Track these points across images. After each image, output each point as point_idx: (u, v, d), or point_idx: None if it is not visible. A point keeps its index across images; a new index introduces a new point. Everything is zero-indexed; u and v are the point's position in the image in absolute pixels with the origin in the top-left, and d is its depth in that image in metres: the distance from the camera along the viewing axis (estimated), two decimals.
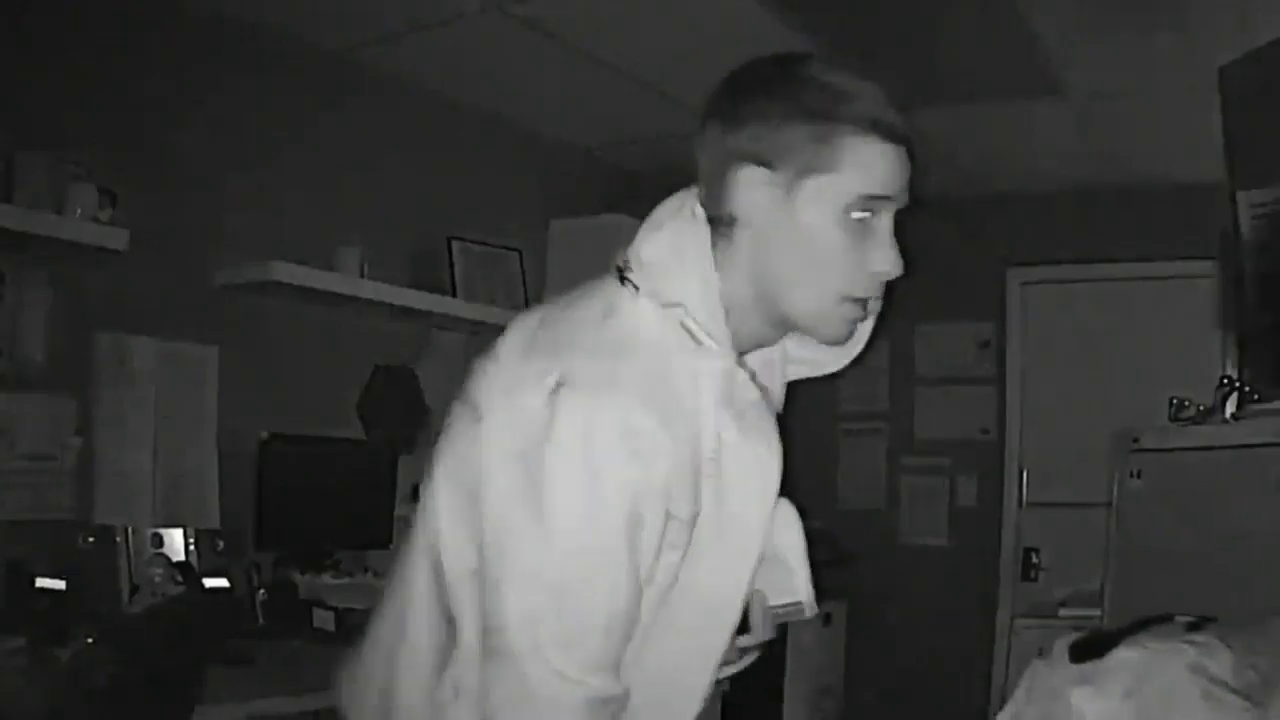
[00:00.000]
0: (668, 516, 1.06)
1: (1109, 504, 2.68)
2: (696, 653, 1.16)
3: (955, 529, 4.56)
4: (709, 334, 1.12)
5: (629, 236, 1.18)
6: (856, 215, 1.12)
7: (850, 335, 1.21)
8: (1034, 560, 4.39)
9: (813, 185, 1.12)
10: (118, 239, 2.57)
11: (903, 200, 1.16)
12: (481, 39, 3.17)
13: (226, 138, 3.01)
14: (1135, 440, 2.51)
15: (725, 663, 1.22)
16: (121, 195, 2.63)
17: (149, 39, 2.85)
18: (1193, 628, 1.71)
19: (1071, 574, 3.95)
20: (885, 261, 1.15)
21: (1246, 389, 2.21)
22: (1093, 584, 2.70)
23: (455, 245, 3.60)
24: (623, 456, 1.02)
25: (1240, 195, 2.18)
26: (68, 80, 2.65)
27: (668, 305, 1.12)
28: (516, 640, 1.00)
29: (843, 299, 1.15)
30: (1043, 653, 1.78)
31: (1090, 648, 1.68)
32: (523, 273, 3.79)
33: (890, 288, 1.17)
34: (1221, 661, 1.56)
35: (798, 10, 2.91)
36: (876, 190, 1.13)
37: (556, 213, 3.99)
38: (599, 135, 4.03)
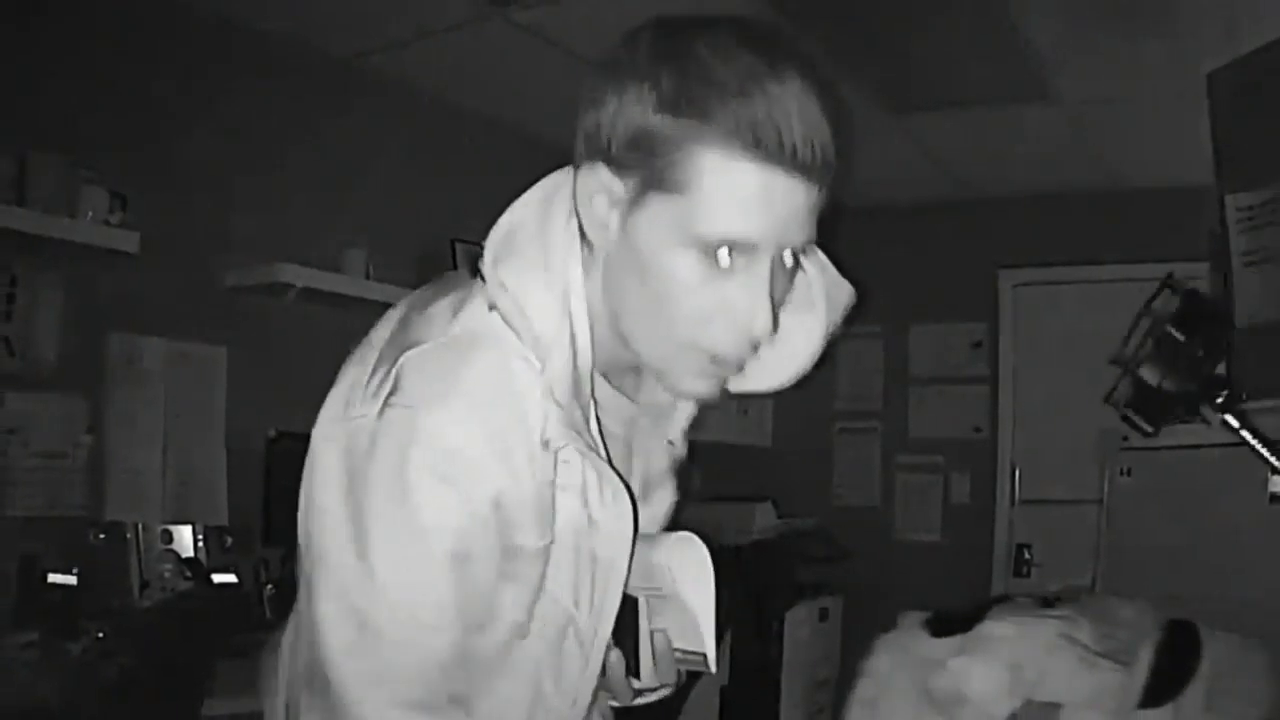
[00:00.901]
0: (510, 548, 0.89)
1: (1099, 501, 2.68)
2: (558, 691, 0.98)
3: (949, 525, 4.56)
4: (545, 345, 0.89)
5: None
6: (712, 255, 0.84)
7: (711, 392, 0.94)
8: (1026, 556, 4.39)
9: (655, 204, 0.85)
10: (128, 241, 2.58)
11: (790, 245, 0.87)
12: (484, 46, 3.17)
13: (235, 142, 3.01)
14: (1124, 438, 2.52)
15: (619, 703, 1.08)
16: (132, 199, 2.63)
17: (160, 45, 2.85)
18: (1045, 604, 1.87)
19: (1062, 569, 3.95)
20: (748, 317, 0.86)
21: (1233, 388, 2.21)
22: (1083, 578, 2.71)
23: (459, 247, 3.59)
24: (440, 484, 0.85)
25: (1228, 198, 2.18)
26: (79, 85, 2.65)
27: (491, 308, 0.90)
28: (334, 673, 0.87)
29: (692, 349, 0.89)
30: (886, 629, 1.90)
31: (947, 624, 1.83)
32: None
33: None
34: (1085, 631, 1.73)
35: (795, 18, 2.91)
36: (735, 233, 0.83)
37: None
38: None
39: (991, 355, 4.55)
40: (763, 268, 0.86)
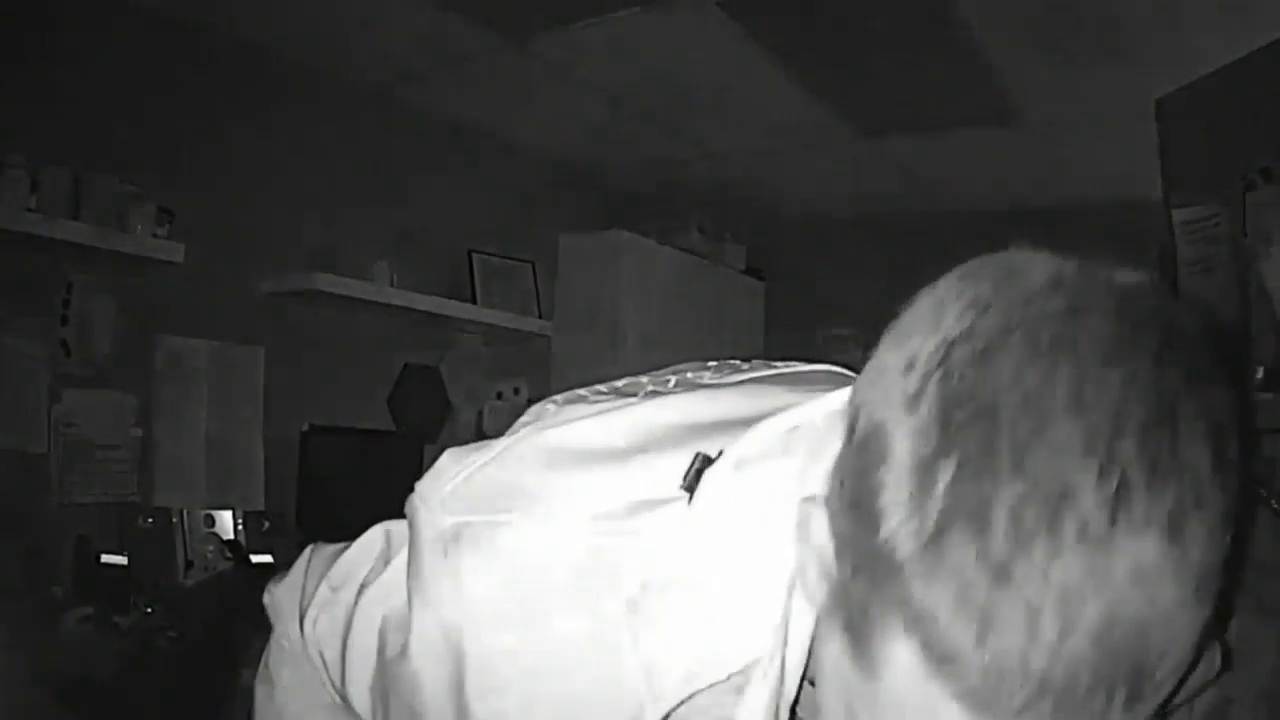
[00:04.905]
0: None
1: None
2: None
3: None
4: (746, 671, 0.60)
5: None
6: None
7: None
8: None
9: (839, 642, 0.52)
10: (174, 252, 2.58)
11: None
12: (501, 75, 3.17)
13: (272, 162, 3.01)
14: None
15: None
16: (178, 213, 2.63)
17: (205, 74, 2.85)
18: None
19: None
20: None
21: None
22: None
23: (475, 258, 3.60)
24: None
25: (1175, 213, 2.18)
26: (130, 110, 2.66)
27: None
28: None
29: None
30: None
31: None
32: (535, 282, 3.79)
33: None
34: None
35: (780, 48, 2.91)
36: None
37: (566, 228, 3.99)
38: (604, 159, 4.03)
39: None
40: None
